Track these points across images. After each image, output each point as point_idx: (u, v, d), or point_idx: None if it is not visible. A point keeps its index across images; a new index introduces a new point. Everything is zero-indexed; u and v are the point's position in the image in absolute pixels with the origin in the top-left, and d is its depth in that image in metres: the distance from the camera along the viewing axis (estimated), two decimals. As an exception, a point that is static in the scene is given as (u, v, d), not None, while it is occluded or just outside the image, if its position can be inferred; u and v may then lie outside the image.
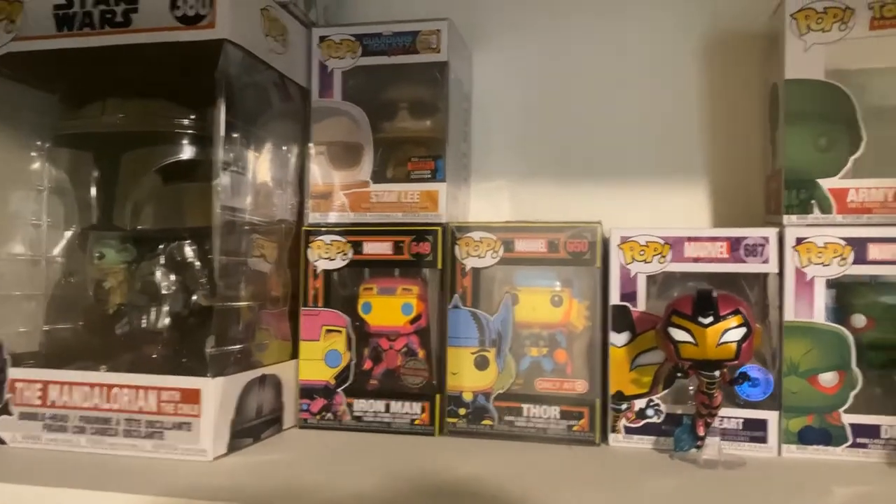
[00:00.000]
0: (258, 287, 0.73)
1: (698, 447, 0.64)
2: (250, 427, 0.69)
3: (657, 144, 0.82)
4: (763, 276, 0.68)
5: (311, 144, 0.78)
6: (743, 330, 0.61)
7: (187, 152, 0.71)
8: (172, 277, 0.74)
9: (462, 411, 0.73)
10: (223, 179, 0.66)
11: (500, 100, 0.87)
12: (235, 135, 0.69)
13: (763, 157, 0.78)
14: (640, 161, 0.83)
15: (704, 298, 0.62)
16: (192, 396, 0.64)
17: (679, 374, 0.64)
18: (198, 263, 0.74)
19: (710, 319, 0.61)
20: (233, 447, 0.66)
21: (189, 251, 0.74)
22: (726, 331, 0.61)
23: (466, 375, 0.73)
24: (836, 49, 0.67)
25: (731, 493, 0.56)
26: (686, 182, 0.81)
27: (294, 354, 0.77)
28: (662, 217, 0.80)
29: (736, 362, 0.61)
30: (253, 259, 0.71)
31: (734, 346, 0.61)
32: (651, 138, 0.83)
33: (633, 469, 0.63)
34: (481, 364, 0.73)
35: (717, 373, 0.63)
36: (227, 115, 0.67)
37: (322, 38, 0.78)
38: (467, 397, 0.73)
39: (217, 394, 0.64)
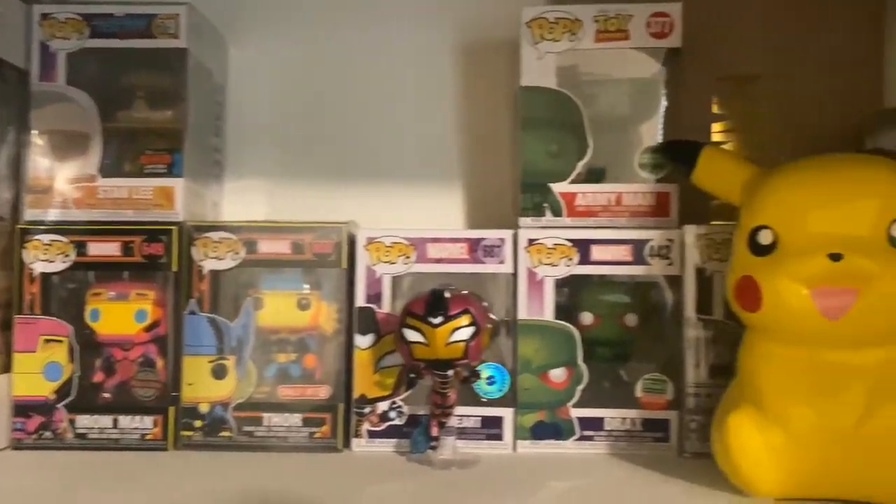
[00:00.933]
0: (-44, 292, 0.64)
1: (434, 448, 0.64)
2: (-62, 453, 0.60)
3: (416, 147, 0.83)
4: (502, 277, 0.69)
5: (33, 132, 0.70)
6: (471, 329, 0.62)
7: None
8: None
9: (198, 423, 0.68)
10: None
11: (259, 96, 0.83)
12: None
13: (512, 161, 0.81)
14: (399, 163, 0.82)
15: (436, 299, 0.62)
16: None
17: (413, 375, 0.64)
18: None
19: (440, 319, 0.61)
20: None
21: None
22: (455, 330, 0.61)
23: (203, 385, 0.68)
24: (567, 58, 0.70)
25: (451, 494, 0.56)
26: (444, 184, 0.82)
27: (7, 368, 0.69)
28: (421, 219, 0.80)
29: (465, 361, 0.62)
30: (-54, 261, 0.63)
31: (462, 345, 0.61)
32: (410, 141, 0.83)
33: (364, 474, 0.61)
34: (219, 373, 0.69)
35: (450, 372, 0.63)
36: None
37: (44, 16, 0.71)
38: (203, 408, 0.68)
39: None
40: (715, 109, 0.80)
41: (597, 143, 0.70)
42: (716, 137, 0.80)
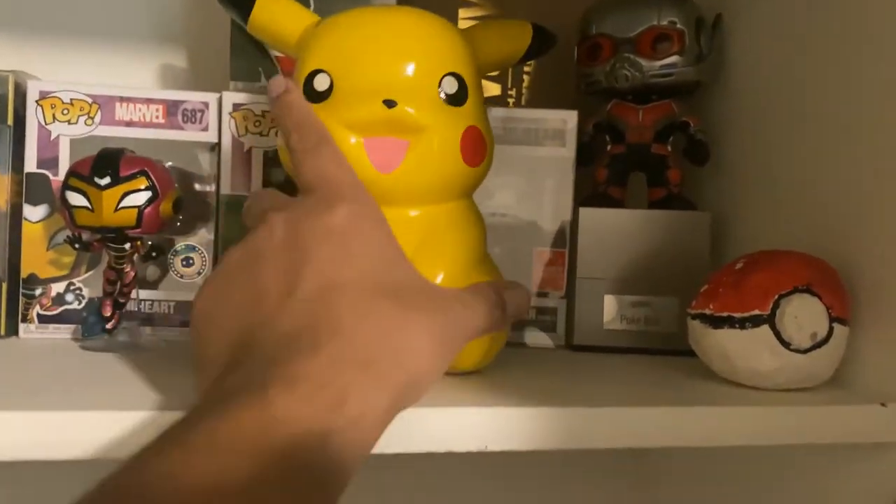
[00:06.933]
0: None
1: (108, 331, 0.57)
2: None
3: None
4: (209, 146, 0.62)
5: None
6: (147, 194, 0.54)
7: None
8: None
9: None
10: None
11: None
12: None
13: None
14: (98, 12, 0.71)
15: (105, 158, 0.53)
16: None
17: (78, 247, 0.56)
18: None
19: (108, 181, 0.53)
20: None
21: None
22: (126, 194, 0.53)
23: None
24: None
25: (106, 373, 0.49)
26: (160, 41, 0.72)
27: None
28: (130, 76, 0.70)
29: (139, 230, 0.54)
30: None
31: (135, 212, 0.53)
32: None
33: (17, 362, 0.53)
34: None
35: (126, 245, 0.56)
36: None
37: None
38: None
39: None
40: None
41: None
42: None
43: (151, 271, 0.62)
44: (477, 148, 0.48)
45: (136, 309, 0.60)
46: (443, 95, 0.47)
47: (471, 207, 0.51)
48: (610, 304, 0.62)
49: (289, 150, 0.44)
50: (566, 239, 0.64)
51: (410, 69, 0.47)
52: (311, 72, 0.48)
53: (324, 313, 0.36)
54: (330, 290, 0.36)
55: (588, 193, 0.66)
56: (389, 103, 0.45)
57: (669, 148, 0.65)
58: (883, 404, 0.45)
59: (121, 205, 0.53)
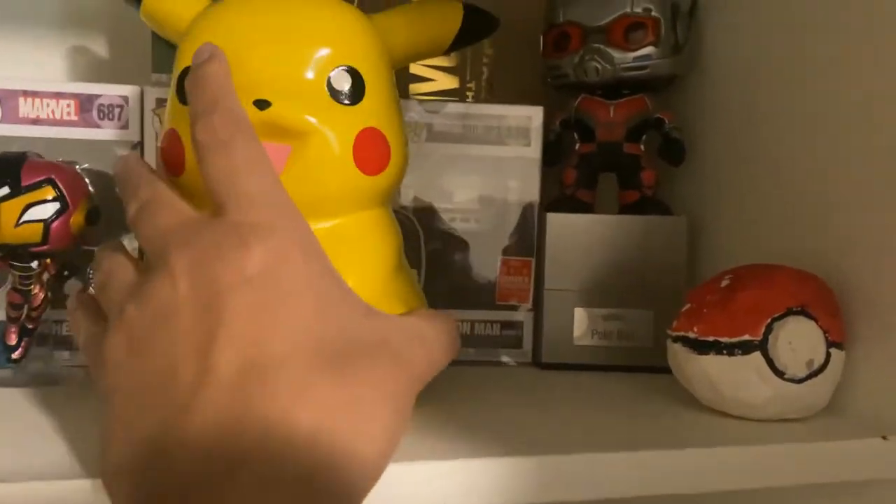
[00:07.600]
0: None
1: (15, 361, 0.50)
2: None
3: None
4: (131, 145, 0.55)
5: None
6: (55, 206, 0.47)
7: None
8: None
9: None
10: None
11: None
12: None
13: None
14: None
15: (3, 165, 0.46)
16: None
17: (-25, 267, 0.49)
18: None
19: (6, 191, 0.45)
20: None
21: None
22: (29, 207, 0.46)
23: None
24: None
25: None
26: (77, 23, 0.64)
27: None
28: (43, 67, 0.63)
29: (46, 247, 0.47)
30: None
31: (41, 226, 0.46)
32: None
33: None
34: None
35: (34, 264, 0.49)
36: None
37: None
38: None
39: None
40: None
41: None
42: None
43: (69, 287, 0.55)
44: (374, 153, 0.41)
45: (51, 332, 0.53)
46: (333, 92, 0.41)
47: (378, 219, 0.43)
48: (580, 317, 0.57)
49: (193, 142, 0.36)
50: (532, 247, 0.59)
51: (290, 63, 0.40)
52: (183, 68, 0.41)
53: (246, 412, 0.28)
54: (252, 374, 0.29)
55: (555, 196, 0.61)
56: (261, 104, 0.38)
57: (643, 147, 0.60)
58: (884, 437, 0.41)
59: (23, 219, 0.46)
